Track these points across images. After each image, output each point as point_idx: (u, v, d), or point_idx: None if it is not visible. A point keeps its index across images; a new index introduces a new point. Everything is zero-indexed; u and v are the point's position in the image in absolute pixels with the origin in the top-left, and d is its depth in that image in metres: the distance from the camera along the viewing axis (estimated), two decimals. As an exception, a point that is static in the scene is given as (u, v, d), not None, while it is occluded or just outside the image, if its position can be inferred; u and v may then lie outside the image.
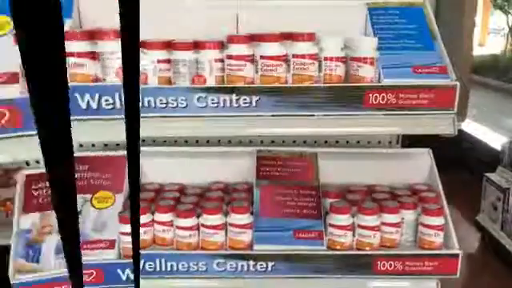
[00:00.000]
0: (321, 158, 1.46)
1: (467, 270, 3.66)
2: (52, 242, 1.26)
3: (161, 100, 1.20)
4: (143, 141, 1.57)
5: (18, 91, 1.04)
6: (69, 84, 1.13)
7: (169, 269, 1.28)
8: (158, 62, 1.22)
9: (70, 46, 1.12)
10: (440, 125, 1.19)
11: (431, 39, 1.29)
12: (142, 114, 1.21)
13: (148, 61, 1.22)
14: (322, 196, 1.39)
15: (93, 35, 1.15)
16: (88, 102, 1.14)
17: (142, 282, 1.29)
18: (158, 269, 1.27)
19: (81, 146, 1.49)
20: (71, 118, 1.15)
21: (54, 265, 1.24)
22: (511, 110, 4.98)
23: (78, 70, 1.14)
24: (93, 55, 1.15)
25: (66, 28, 1.15)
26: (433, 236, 1.29)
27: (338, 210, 1.29)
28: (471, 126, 5.50)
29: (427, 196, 1.37)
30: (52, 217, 1.25)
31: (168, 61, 1.23)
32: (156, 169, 1.47)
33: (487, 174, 3.87)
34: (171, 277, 1.28)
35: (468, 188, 4.54)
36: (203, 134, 1.29)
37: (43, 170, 1.25)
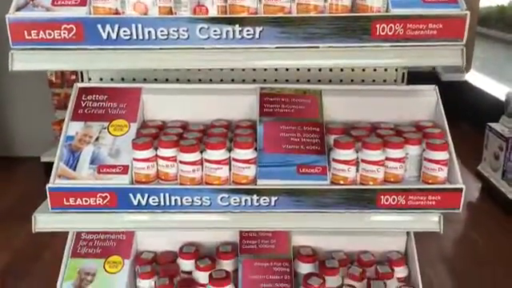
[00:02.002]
0: (325, 95, 1.44)
1: (467, 218, 3.72)
2: (88, 151, 1.32)
3: (162, 31, 1.17)
4: (144, 79, 1.55)
5: (84, 12, 1.19)
6: (92, 16, 1.11)
7: (173, 203, 1.28)
8: (159, -9, 1.18)
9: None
10: (448, 56, 1.16)
11: (442, -32, 1.24)
12: (142, 46, 1.20)
13: (148, -10, 1.18)
14: (325, 133, 1.38)
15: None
16: (108, 32, 1.17)
17: (146, 216, 1.32)
18: (162, 203, 1.28)
19: (101, 79, 1.55)
20: (93, 47, 1.12)
21: (87, 174, 1.29)
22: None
23: (101, 3, 1.20)
24: (114, -11, 1.20)
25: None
26: (436, 171, 1.29)
27: (341, 145, 1.28)
28: (476, 77, 5.44)
29: (432, 132, 1.36)
30: (93, 128, 1.35)
31: (168, -10, 1.19)
32: (158, 106, 1.46)
33: (490, 124, 3.86)
34: (175, 211, 1.29)
35: (471, 139, 4.54)
36: (205, 66, 1.26)
37: (94, 85, 1.32)
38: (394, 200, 1.28)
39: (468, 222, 3.66)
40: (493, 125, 3.83)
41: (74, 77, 4.14)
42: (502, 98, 4.09)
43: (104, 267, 1.48)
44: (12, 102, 4.57)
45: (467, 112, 4.96)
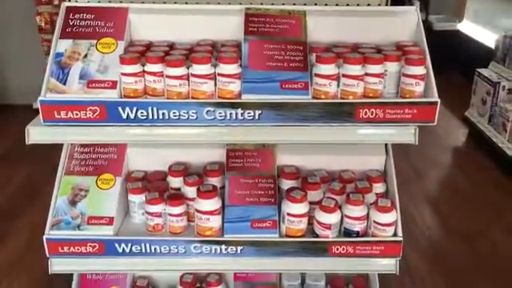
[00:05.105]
0: (309, 15, 1.47)
1: (453, 161, 3.82)
2: (78, 67, 1.36)
3: None
4: (132, 1, 1.57)
5: None
6: None
7: (160, 117, 1.33)
8: None
9: None
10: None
11: None
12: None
13: None
14: (309, 52, 1.42)
15: None
16: None
17: (135, 130, 1.37)
18: (150, 117, 1.33)
19: (88, 1, 1.56)
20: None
21: (77, 89, 1.34)
22: (507, 10, 4.90)
23: None
24: None
25: None
26: (414, 85, 1.34)
27: (323, 60, 1.33)
28: (468, 27, 5.42)
29: (411, 50, 1.40)
30: (81, 45, 1.39)
31: None
32: (145, 26, 1.49)
33: (479, 70, 3.90)
34: (163, 125, 1.34)
35: (461, 86, 4.60)
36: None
37: (81, 4, 1.33)
38: (372, 113, 1.33)
39: (453, 165, 3.77)
40: (481, 70, 3.88)
41: (63, 22, 4.10)
42: (493, 46, 4.10)
43: (96, 183, 1.54)
44: (3, 50, 4.54)
45: (458, 60, 4.99)
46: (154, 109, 1.33)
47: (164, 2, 1.57)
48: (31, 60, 4.35)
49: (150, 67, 1.34)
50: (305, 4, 1.58)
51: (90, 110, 1.32)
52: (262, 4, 1.58)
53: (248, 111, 1.33)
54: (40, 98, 1.31)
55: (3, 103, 4.60)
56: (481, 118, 3.88)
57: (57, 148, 1.61)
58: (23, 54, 4.45)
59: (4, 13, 4.38)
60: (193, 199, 1.50)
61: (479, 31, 5.22)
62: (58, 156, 1.59)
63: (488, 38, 4.85)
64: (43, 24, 4.17)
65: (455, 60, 4.94)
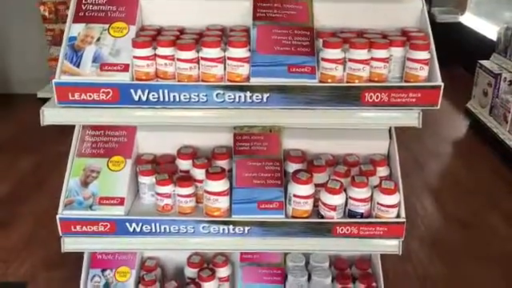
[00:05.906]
0: (316, 1, 1.50)
1: (454, 152, 3.86)
2: (91, 51, 1.40)
3: None
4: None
5: None
6: None
7: (171, 99, 1.37)
8: None
9: None
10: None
11: None
12: None
13: None
14: (315, 37, 1.45)
15: None
16: None
17: (146, 111, 1.41)
18: (161, 99, 1.37)
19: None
20: None
21: (90, 72, 1.38)
22: (508, 2, 4.91)
23: None
24: None
25: None
26: (418, 70, 1.37)
27: (330, 45, 1.36)
28: (470, 19, 5.44)
29: (416, 35, 1.43)
30: (94, 29, 1.42)
31: None
32: (156, 12, 1.52)
33: (481, 61, 3.93)
34: (174, 107, 1.38)
35: (462, 79, 4.63)
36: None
37: None
38: (377, 97, 1.37)
39: (454, 156, 3.81)
40: (483, 62, 3.90)
41: (68, 11, 4.13)
42: (495, 38, 4.13)
43: (107, 165, 1.58)
44: (7, 40, 4.57)
45: (460, 52, 5.01)
46: (165, 91, 1.36)
47: (173, -13, 1.60)
48: (34, 50, 4.38)
49: (161, 51, 1.37)
50: (311, -9, 1.62)
51: (103, 92, 1.35)
52: (269, -9, 1.61)
53: (256, 94, 1.36)
54: (55, 80, 1.35)
55: (7, 92, 4.64)
56: (482, 109, 3.91)
57: (60, 137, 1.64)
58: (26, 44, 4.48)
59: (7, 2, 4.40)
60: (201, 181, 1.53)
61: (481, 23, 5.24)
62: (62, 144, 1.62)
63: (490, 29, 4.87)
64: (47, 14, 4.19)
65: (457, 52, 4.96)
